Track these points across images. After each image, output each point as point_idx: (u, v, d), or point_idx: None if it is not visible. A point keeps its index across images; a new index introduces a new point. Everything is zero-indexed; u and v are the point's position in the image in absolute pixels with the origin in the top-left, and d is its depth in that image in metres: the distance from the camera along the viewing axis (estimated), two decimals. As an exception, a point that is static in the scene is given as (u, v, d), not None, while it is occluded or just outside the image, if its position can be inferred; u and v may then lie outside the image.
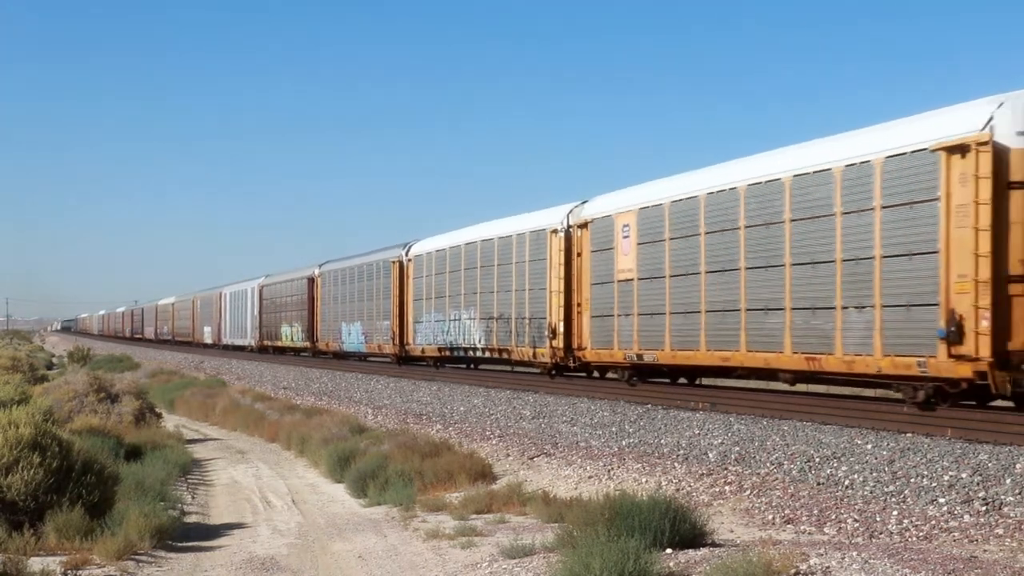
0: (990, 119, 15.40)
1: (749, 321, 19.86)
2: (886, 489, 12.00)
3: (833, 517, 11.50)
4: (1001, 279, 15.06)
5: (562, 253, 26.94)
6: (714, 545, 10.10)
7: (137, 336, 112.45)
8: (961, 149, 15.47)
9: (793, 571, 8.49)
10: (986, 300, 15.03)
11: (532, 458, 17.39)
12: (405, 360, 39.01)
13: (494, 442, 19.26)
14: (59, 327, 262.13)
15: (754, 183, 19.93)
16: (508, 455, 18.05)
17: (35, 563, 10.36)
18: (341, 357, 46.54)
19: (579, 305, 26.35)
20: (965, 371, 15.38)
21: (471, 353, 33.37)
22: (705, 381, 24.21)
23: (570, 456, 16.86)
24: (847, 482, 12.57)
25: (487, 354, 31.94)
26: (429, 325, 36.09)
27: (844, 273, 17.58)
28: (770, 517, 11.98)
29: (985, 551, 9.75)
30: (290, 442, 23.25)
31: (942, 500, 11.29)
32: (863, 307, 17.20)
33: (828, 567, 8.53)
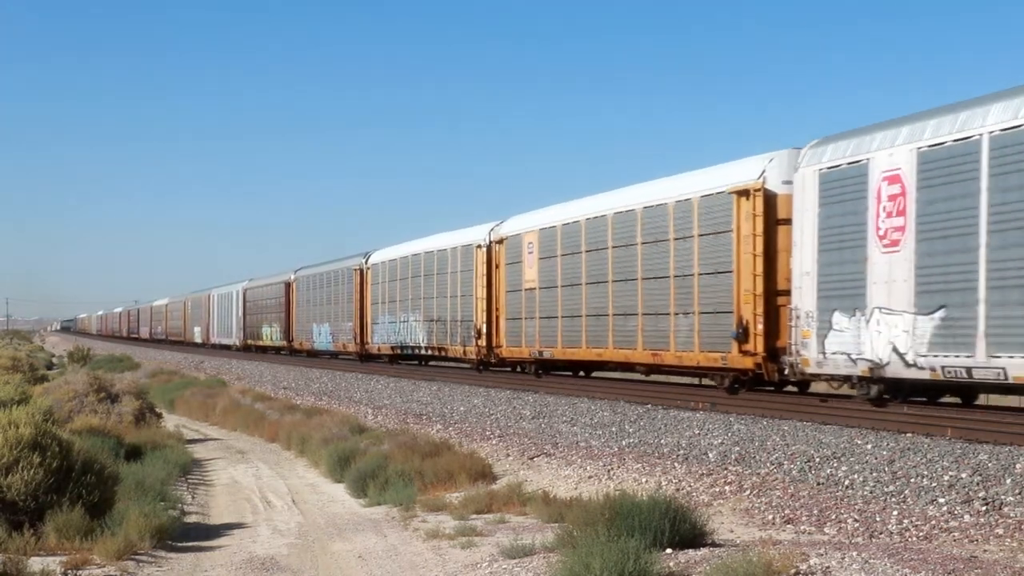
0: (763, 171, 19.92)
1: (615, 324, 24.49)
2: (886, 489, 12.00)
3: (833, 517, 11.50)
4: (772, 293, 19.64)
5: (484, 265, 31.86)
6: (714, 545, 10.10)
7: (133, 336, 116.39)
8: (746, 193, 20.01)
9: (793, 571, 8.49)
10: (760, 309, 19.65)
11: (532, 458, 17.39)
12: (365, 358, 43.43)
13: (494, 442, 19.26)
14: (59, 327, 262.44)
15: (618, 212, 24.50)
16: (508, 455, 18.05)
17: (35, 563, 10.36)
18: (313, 355, 50.88)
19: (498, 310, 31.18)
20: (749, 363, 20.04)
21: (417, 351, 38.12)
22: (597, 374, 28.61)
23: (570, 456, 16.86)
24: (847, 482, 12.57)
25: (429, 351, 37.01)
26: (384, 326, 40.98)
27: (676, 287, 22.17)
28: (770, 517, 11.98)
29: (985, 551, 9.75)
30: (290, 442, 23.25)
31: (942, 500, 11.29)
32: (688, 314, 21.75)
33: (828, 567, 8.53)
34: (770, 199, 19.74)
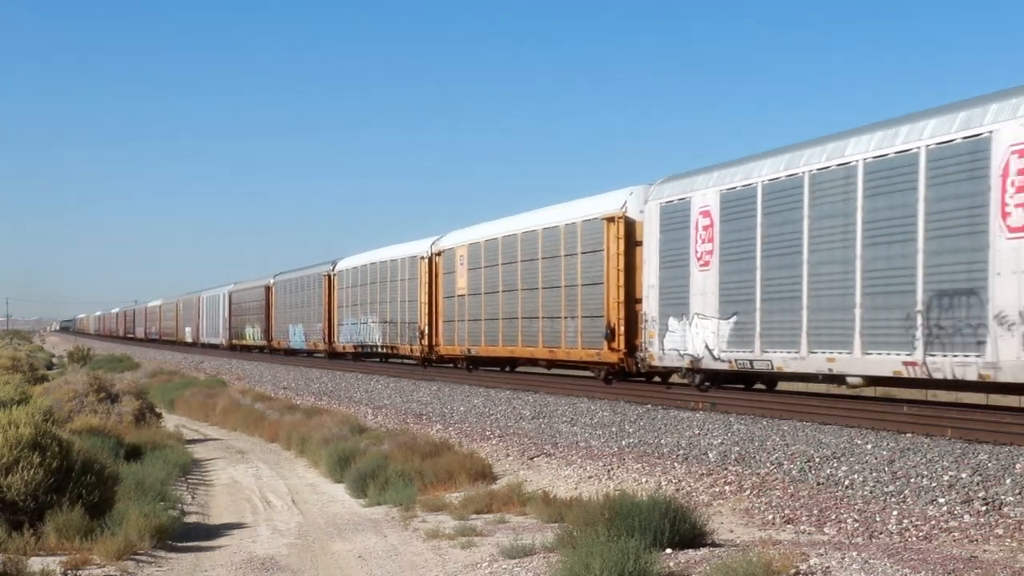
0: (625, 202, 24.81)
1: (523, 326, 29.49)
2: (886, 489, 12.00)
3: (833, 517, 11.50)
4: (631, 301, 24.31)
5: (427, 274, 36.87)
6: (714, 545, 10.10)
7: (130, 336, 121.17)
8: (613, 219, 24.79)
9: (793, 571, 8.49)
10: (623, 314, 24.50)
11: (532, 458, 17.39)
12: (333, 355, 48.43)
13: (494, 442, 19.26)
14: (58, 327, 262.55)
15: (525, 231, 29.49)
16: (508, 455, 18.04)
17: (35, 563, 10.36)
18: (290, 353, 55.27)
19: (437, 313, 36.06)
20: (615, 358, 24.96)
21: (374, 349, 43.06)
22: (521, 368, 32.91)
23: (570, 456, 16.85)
24: (847, 482, 12.57)
25: (384, 350, 41.94)
26: (348, 327, 45.79)
27: (565, 295, 26.95)
28: (770, 517, 11.98)
29: (985, 551, 9.75)
30: (290, 442, 23.25)
31: (942, 500, 11.28)
32: (574, 317, 26.56)
33: (828, 567, 8.53)
34: (630, 225, 24.59)
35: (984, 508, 10.89)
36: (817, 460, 13.68)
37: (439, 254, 36.11)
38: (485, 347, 32.18)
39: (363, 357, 45.34)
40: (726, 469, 14.21)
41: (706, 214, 21.53)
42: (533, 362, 30.52)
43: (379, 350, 42.48)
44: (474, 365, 33.84)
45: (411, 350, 38.39)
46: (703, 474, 14.18)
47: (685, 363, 22.05)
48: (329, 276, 48.46)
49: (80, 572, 10.66)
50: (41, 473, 11.84)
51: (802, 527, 11.46)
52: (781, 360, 19.20)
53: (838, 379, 18.47)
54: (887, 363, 16.56)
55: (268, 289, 59.75)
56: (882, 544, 10.13)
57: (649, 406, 20.82)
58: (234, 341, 67.90)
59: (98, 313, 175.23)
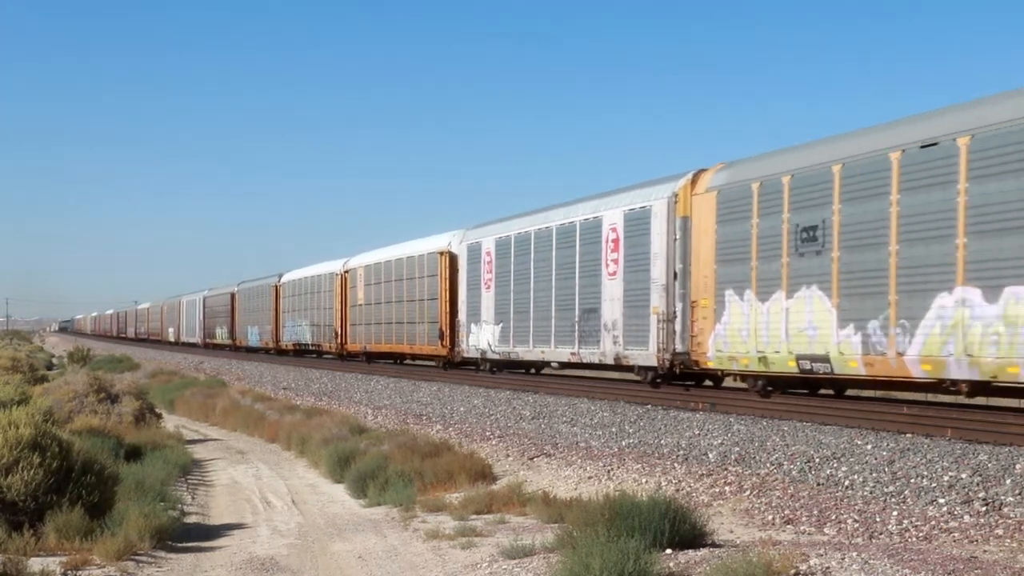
0: (449, 242, 35.11)
1: (395, 329, 39.63)
2: (886, 489, 12.00)
3: (833, 517, 11.49)
4: (454, 313, 34.00)
5: (340, 287, 46.97)
6: (714, 545, 10.10)
7: (122, 336, 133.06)
8: (442, 254, 35.17)
9: (793, 571, 8.49)
10: (448, 322, 34.44)
11: (532, 458, 17.38)
12: (278, 352, 58.56)
13: (494, 442, 19.26)
14: (57, 328, 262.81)
15: (397, 259, 39.91)
16: (508, 455, 18.04)
17: (35, 563, 10.36)
18: (251, 351, 64.17)
19: (346, 319, 46.31)
20: (445, 352, 34.82)
21: (307, 346, 52.75)
22: (408, 361, 42.19)
23: (570, 456, 16.85)
24: (847, 482, 12.57)
25: (312, 347, 51.93)
26: (289, 329, 56.09)
27: (419, 307, 36.96)
28: (770, 517, 11.98)
29: (985, 551, 9.75)
30: (290, 442, 23.23)
31: (942, 500, 11.28)
32: (423, 322, 36.63)
33: (828, 567, 8.53)
34: (452, 258, 34.62)
35: (984, 508, 10.89)
36: (817, 460, 13.68)
37: (347, 272, 46.48)
38: (375, 345, 42.32)
39: (301, 353, 54.85)
40: (726, 469, 14.21)
41: (488, 254, 31.52)
42: (401, 356, 41.26)
43: (310, 347, 52.35)
44: (369, 359, 43.53)
45: (330, 347, 48.63)
46: (703, 474, 14.17)
47: (479, 354, 32.10)
48: (276, 287, 58.79)
49: (80, 572, 10.66)
50: (41, 473, 11.83)
51: (802, 527, 11.46)
52: (521, 352, 29.40)
53: (547, 364, 29.10)
54: (565, 353, 26.83)
55: (233, 296, 69.77)
56: (882, 544, 10.13)
57: (649, 406, 20.81)
58: (207, 340, 77.33)
59: (94, 314, 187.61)
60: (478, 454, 17.99)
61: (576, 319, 25.85)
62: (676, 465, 14.92)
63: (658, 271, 22.80)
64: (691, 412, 19.59)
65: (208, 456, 22.80)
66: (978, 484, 11.52)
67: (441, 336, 34.75)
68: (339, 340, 46.78)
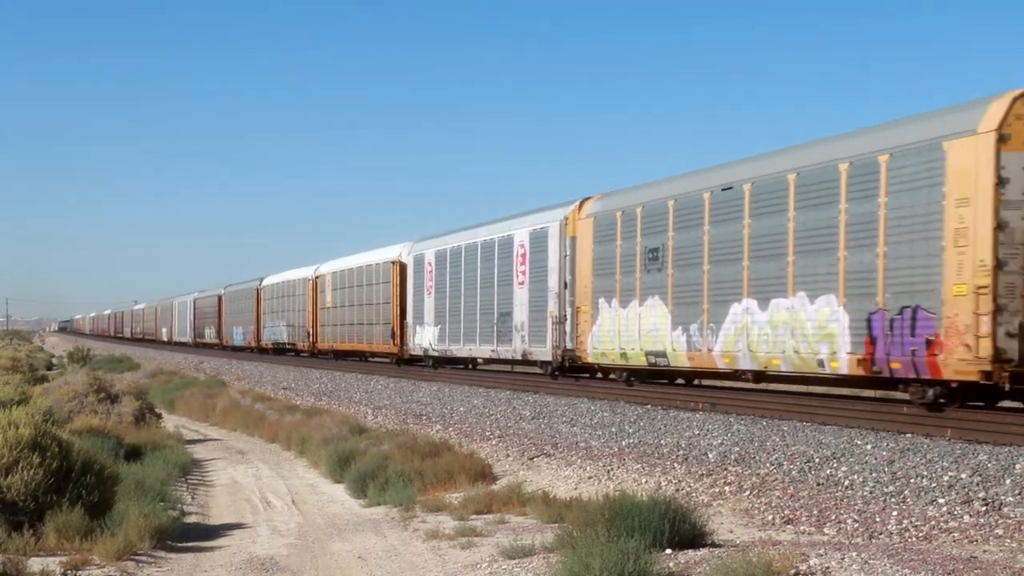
0: (400, 253, 39.78)
1: (355, 329, 44.63)
2: (886, 489, 12.00)
3: (833, 517, 11.49)
4: (404, 315, 38.95)
5: (312, 291, 51.74)
6: (714, 545, 10.10)
7: (119, 335, 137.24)
8: (394, 263, 40.03)
9: (793, 571, 8.49)
10: (398, 323, 39.45)
11: (532, 458, 17.38)
12: (259, 351, 62.86)
13: (494, 442, 19.26)
14: (56, 327, 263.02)
15: (358, 267, 44.95)
16: (508, 455, 18.04)
17: (35, 563, 10.36)
18: (237, 349, 68.20)
19: (317, 320, 50.87)
20: (396, 350, 39.87)
21: (283, 346, 57.74)
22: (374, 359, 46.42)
23: (570, 456, 16.85)
24: (847, 482, 12.57)
25: (288, 346, 56.86)
26: (269, 329, 60.67)
27: (375, 310, 41.67)
28: (770, 517, 11.98)
29: (985, 551, 9.75)
30: (290, 442, 23.22)
31: (942, 500, 11.28)
32: (379, 324, 41.40)
33: (828, 567, 8.53)
34: (403, 267, 39.64)
35: (984, 509, 10.89)
36: (817, 460, 13.68)
37: (318, 277, 51.00)
38: (341, 343, 46.99)
39: (279, 352, 58.86)
40: (726, 469, 14.20)
41: (430, 264, 36.28)
42: (362, 354, 45.62)
43: (287, 346, 56.87)
44: (337, 356, 48.02)
45: (303, 346, 53.33)
46: (703, 474, 14.17)
47: (423, 352, 37.14)
48: (257, 290, 63.25)
49: (80, 572, 10.66)
50: (41, 473, 11.83)
51: (802, 527, 11.46)
52: (455, 349, 34.24)
53: (475, 360, 34.82)
54: (488, 350, 31.80)
55: (220, 298, 74.30)
56: (882, 544, 10.13)
57: (649, 406, 20.82)
58: (198, 340, 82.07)
59: (92, 314, 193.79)
60: (478, 454, 17.99)
61: (495, 321, 31.00)
62: (676, 465, 14.91)
63: (553, 281, 27.63)
64: (691, 412, 19.60)
65: (208, 456, 22.80)
66: (978, 484, 11.52)
67: (393, 336, 40.01)
68: (311, 340, 51.66)
